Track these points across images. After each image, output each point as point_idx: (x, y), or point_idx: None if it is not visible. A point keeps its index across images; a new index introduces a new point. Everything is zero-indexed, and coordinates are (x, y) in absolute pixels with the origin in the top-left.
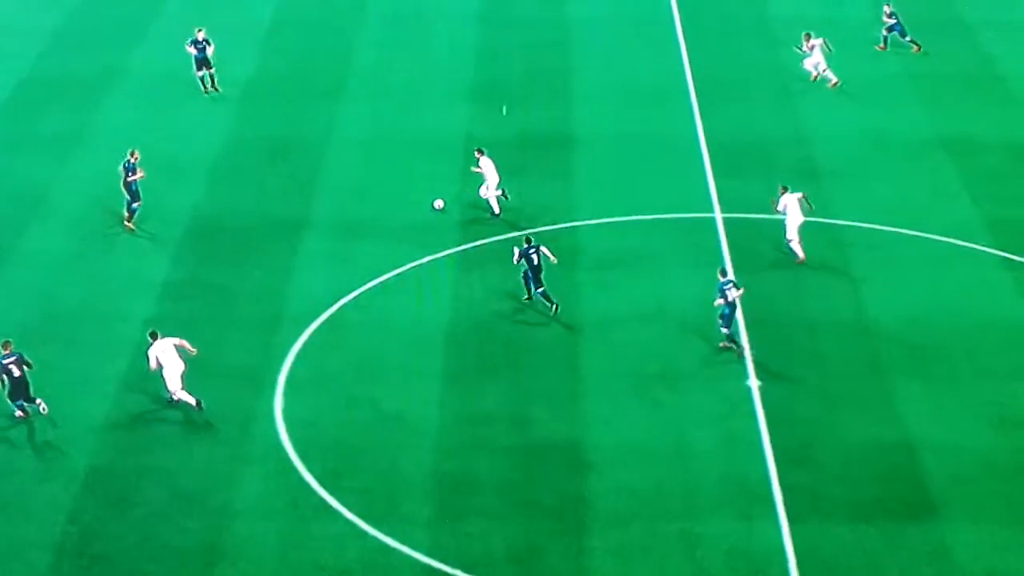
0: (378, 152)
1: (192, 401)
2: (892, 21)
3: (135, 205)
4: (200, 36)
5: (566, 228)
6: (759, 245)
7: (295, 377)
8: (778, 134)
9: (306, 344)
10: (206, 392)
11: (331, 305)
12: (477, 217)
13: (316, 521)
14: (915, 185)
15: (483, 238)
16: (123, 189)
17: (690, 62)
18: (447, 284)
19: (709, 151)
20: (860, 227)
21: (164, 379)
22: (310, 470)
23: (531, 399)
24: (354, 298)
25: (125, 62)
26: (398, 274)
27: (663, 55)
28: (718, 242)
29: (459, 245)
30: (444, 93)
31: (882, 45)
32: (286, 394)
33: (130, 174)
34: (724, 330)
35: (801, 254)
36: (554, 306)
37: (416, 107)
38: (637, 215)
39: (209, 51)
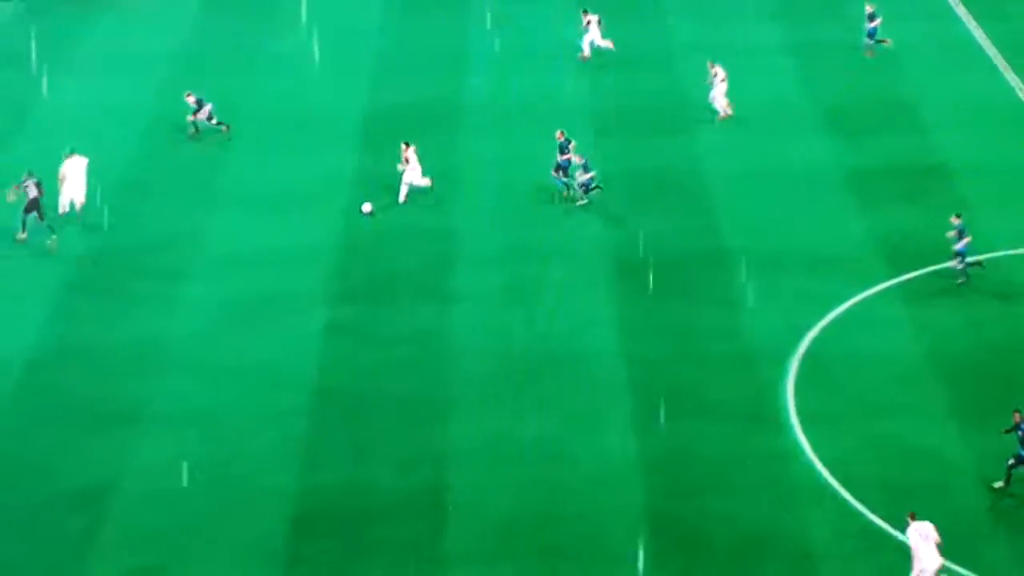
0: (758, 185)
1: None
2: (872, 24)
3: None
4: (191, 100)
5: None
6: None
7: (805, 414)
8: None
9: (796, 381)
10: (718, 431)
11: (797, 341)
12: (897, 249)
13: (902, 566)
14: None
15: (912, 270)
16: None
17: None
18: (904, 318)
19: None
20: None
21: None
22: (875, 512)
23: None
24: (817, 334)
25: (456, 92)
26: (848, 308)
27: (982, 75)
28: None
29: (891, 278)
30: (794, 122)
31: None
32: (806, 432)
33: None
34: None
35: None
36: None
37: (770, 138)
38: None
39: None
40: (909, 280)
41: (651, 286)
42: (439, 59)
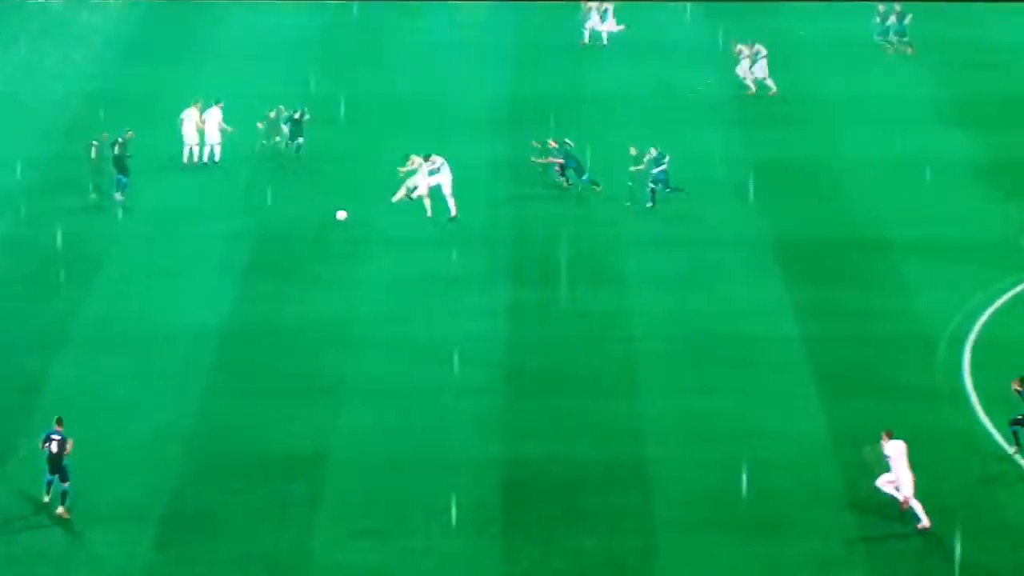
0: (897, 175)
1: None
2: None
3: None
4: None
5: None
6: None
7: (984, 395)
8: None
9: (972, 363)
10: (902, 411)
11: (969, 324)
12: None
13: None
14: None
15: None
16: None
17: None
18: None
19: None
20: None
21: None
22: None
23: None
24: (987, 318)
25: (590, 83)
26: (1015, 294)
27: None
28: None
29: None
30: (922, 115)
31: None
32: (987, 412)
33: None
34: None
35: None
36: (597, 187)
37: (901, 130)
38: None
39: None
40: None
41: (814, 271)
42: (573, 50)
